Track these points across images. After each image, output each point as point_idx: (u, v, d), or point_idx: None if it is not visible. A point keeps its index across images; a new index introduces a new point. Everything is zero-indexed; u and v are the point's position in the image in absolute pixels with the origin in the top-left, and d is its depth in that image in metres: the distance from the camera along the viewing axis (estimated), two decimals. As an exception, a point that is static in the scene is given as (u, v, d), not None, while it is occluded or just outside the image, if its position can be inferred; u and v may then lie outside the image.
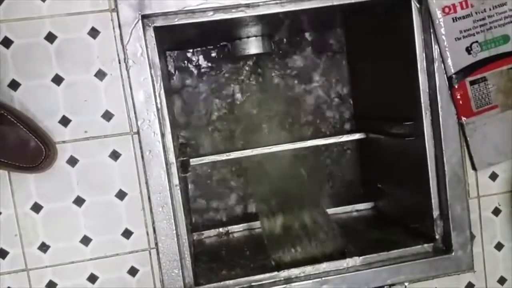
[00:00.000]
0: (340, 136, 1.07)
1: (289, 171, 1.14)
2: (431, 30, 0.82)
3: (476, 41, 0.82)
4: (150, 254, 0.81)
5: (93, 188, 0.79)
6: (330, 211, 1.11)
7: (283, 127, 1.17)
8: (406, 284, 0.85)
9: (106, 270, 0.81)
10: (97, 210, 0.79)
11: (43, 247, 0.79)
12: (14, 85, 0.76)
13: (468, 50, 0.82)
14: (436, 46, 0.82)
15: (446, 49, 0.81)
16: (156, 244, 0.80)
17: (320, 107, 1.18)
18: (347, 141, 1.15)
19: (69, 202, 0.79)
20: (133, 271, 0.81)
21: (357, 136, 1.08)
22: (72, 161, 0.78)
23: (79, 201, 0.79)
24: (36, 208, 0.78)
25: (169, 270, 0.81)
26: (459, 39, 0.82)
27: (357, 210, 1.14)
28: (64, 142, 0.78)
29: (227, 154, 1.03)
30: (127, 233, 0.80)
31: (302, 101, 1.17)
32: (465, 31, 0.82)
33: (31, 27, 0.75)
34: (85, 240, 0.80)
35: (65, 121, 0.77)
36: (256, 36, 1.04)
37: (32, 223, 0.78)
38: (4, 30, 0.75)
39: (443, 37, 0.81)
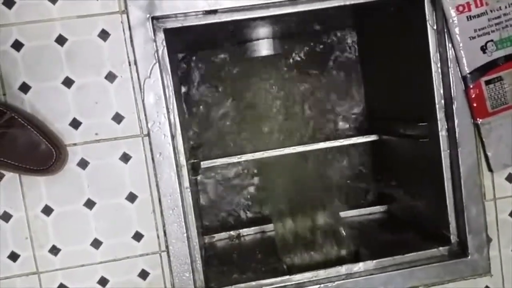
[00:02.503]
0: (353, 138, 1.06)
1: (301, 174, 1.13)
2: (445, 29, 0.80)
3: (491, 40, 0.81)
4: (160, 257, 0.81)
5: (104, 191, 0.79)
6: (343, 214, 1.10)
7: (295, 128, 1.16)
8: (421, 288, 0.84)
9: (116, 273, 0.80)
10: (108, 212, 0.79)
11: (54, 250, 0.79)
12: (24, 88, 0.76)
13: (483, 49, 0.81)
14: (450, 46, 0.81)
15: (461, 48, 0.80)
16: (167, 247, 0.80)
17: (333, 109, 1.16)
18: (360, 143, 1.14)
19: (79, 204, 0.79)
20: (143, 274, 0.81)
21: (370, 138, 1.07)
22: (83, 164, 0.78)
23: (89, 204, 0.79)
24: (47, 211, 0.78)
25: (180, 273, 0.80)
26: (473, 38, 0.80)
27: (370, 213, 1.13)
28: (74, 144, 0.78)
29: (239, 156, 1.03)
30: (137, 236, 0.80)
31: (314, 103, 1.16)
32: (480, 29, 0.80)
33: (41, 29, 0.75)
34: (96, 243, 0.79)
35: (75, 124, 0.77)
36: (267, 37, 1.03)
37: (43, 226, 0.78)
38: (15, 33, 0.75)
39: (458, 36, 0.80)
